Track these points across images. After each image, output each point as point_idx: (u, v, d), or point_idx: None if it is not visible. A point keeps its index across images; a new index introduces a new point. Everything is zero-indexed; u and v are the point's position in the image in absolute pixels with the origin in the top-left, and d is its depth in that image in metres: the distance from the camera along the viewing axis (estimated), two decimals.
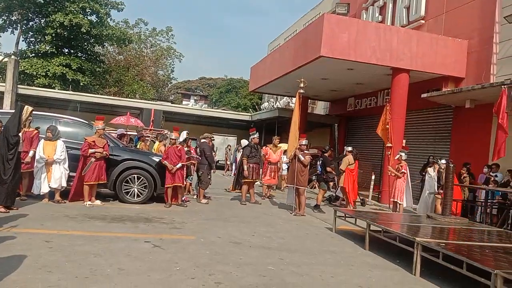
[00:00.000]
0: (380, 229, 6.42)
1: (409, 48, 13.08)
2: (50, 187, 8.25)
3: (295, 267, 5.16)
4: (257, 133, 11.11)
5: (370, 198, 13.40)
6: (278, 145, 12.37)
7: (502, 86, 9.40)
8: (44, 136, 8.35)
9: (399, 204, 10.28)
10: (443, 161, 10.50)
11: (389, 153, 11.35)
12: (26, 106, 7.69)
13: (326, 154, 11.02)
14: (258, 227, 7.63)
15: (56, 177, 8.25)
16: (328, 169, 10.78)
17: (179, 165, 9.07)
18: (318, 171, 10.62)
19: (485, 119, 12.28)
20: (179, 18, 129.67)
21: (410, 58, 13.07)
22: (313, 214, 9.89)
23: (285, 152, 12.34)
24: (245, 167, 10.53)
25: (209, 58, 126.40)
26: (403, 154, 10.34)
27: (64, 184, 8.40)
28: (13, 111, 8.29)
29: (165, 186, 9.02)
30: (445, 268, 4.95)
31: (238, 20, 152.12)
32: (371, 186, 13.73)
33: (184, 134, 10.73)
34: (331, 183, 12.32)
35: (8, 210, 6.94)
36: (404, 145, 11.79)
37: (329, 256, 5.95)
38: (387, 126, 11.33)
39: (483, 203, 9.94)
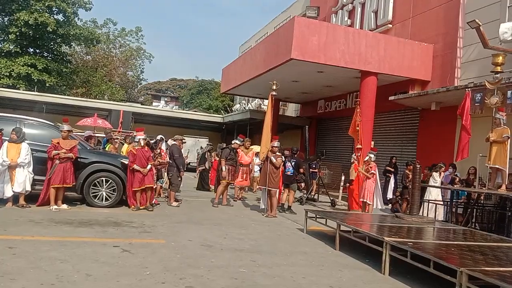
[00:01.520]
0: (350, 229, 6.52)
1: (377, 52, 13.35)
2: (13, 191, 7.95)
3: (266, 269, 5.17)
4: (244, 140, 11.23)
5: (340, 198, 13.58)
6: (250, 147, 12.40)
7: (466, 89, 9.73)
8: (8, 138, 8.05)
9: (368, 204, 10.46)
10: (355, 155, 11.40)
11: (359, 154, 11.53)
12: None
13: (296, 155, 11.15)
14: (230, 229, 7.60)
15: (20, 181, 7.97)
16: (301, 170, 10.87)
17: (149, 166, 8.93)
18: (289, 172, 10.64)
19: (449, 121, 12.67)
20: (149, 18, 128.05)
21: (378, 61, 13.34)
22: (284, 215, 9.94)
23: (257, 154, 12.38)
24: (224, 167, 10.53)
25: (180, 59, 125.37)
26: (372, 155, 10.54)
27: (28, 188, 8.12)
28: None
29: (133, 189, 8.79)
30: (413, 267, 5.07)
31: (210, 21, 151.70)
32: (341, 187, 13.92)
33: (158, 138, 10.65)
34: (302, 184, 12.42)
35: None
36: (372, 146, 12.01)
37: (301, 257, 5.99)
38: (357, 128, 11.52)
39: (448, 203, 10.25)
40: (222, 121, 28.71)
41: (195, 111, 37.29)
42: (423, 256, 4.86)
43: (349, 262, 5.93)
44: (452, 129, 12.58)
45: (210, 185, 14.44)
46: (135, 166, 8.75)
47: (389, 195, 12.75)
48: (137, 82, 50.00)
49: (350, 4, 17.97)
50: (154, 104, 56.01)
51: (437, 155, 12.72)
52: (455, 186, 10.37)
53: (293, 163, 10.67)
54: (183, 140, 11.25)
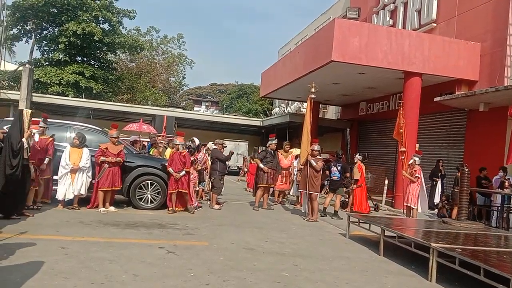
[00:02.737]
0: (395, 235, 6.37)
1: (421, 52, 13.00)
2: (72, 193, 8.31)
3: (309, 273, 5.13)
4: (276, 139, 11.16)
5: (384, 203, 13.29)
6: (290, 150, 12.36)
7: None
8: (59, 143, 8.47)
9: (413, 208, 10.18)
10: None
11: (403, 157, 11.25)
12: (25, 110, 7.78)
13: (341, 159, 11.00)
14: (271, 233, 7.61)
15: (78, 184, 8.33)
16: (347, 174, 10.70)
17: (183, 172, 8.93)
18: (336, 177, 10.52)
19: (499, 122, 12.12)
20: (189, 24, 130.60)
21: (422, 62, 12.99)
22: (326, 220, 9.83)
23: (297, 157, 12.30)
24: (261, 165, 10.54)
25: (220, 64, 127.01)
26: (417, 158, 10.25)
27: (83, 191, 8.42)
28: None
29: (168, 191, 8.94)
30: (461, 274, 4.88)
31: (248, 26, 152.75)
32: (385, 191, 13.62)
33: (196, 141, 10.83)
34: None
35: (19, 217, 6.96)
36: (417, 149, 11.69)
37: (343, 262, 5.91)
38: (401, 130, 11.25)
39: (499, 208, 9.79)
40: (261, 125, 28.84)
41: (235, 115, 37.69)
42: (473, 263, 4.67)
43: (394, 268, 5.79)
44: (502, 131, 12.02)
45: (248, 188, 14.56)
46: (170, 170, 8.91)
47: (436, 199, 12.33)
48: (179, 88, 51.11)
49: (392, 4, 17.60)
50: (195, 109, 57.05)
51: (486, 158, 12.20)
52: (506, 190, 9.89)
53: (338, 167, 10.53)
54: (224, 144, 11.39)
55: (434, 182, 12.65)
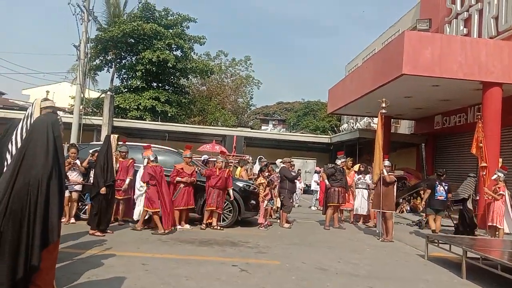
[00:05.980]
0: (478, 256, 5.95)
1: (499, 60, 12.21)
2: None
3: None
4: (345, 157, 11.02)
5: None
6: (351, 167, 12.08)
7: None
8: (138, 164, 9.01)
9: (499, 228, 9.43)
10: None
11: (484, 173, 10.51)
12: (112, 135, 8.43)
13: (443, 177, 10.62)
14: (344, 253, 7.45)
15: None
16: (450, 194, 10.35)
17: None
18: (442, 197, 10.23)
19: None
20: (255, 44, 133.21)
21: (502, 70, 12.17)
22: (403, 240, 9.39)
23: (357, 172, 11.96)
24: (326, 181, 10.44)
25: (286, 83, 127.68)
26: (501, 174, 9.54)
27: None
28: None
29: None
30: None
31: (313, 43, 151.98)
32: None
33: (260, 160, 11.00)
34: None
35: (104, 234, 7.51)
36: (501, 164, 10.86)
37: (423, 285, 5.62)
38: (481, 145, 10.54)
39: None
40: (329, 142, 28.46)
41: (302, 133, 37.56)
42: None
43: None
44: None
45: (319, 206, 14.38)
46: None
47: None
48: (247, 108, 52.11)
49: (465, 12, 16.74)
50: (262, 127, 57.75)
51: None
52: None
53: (445, 187, 10.18)
54: (292, 162, 11.40)
55: None
